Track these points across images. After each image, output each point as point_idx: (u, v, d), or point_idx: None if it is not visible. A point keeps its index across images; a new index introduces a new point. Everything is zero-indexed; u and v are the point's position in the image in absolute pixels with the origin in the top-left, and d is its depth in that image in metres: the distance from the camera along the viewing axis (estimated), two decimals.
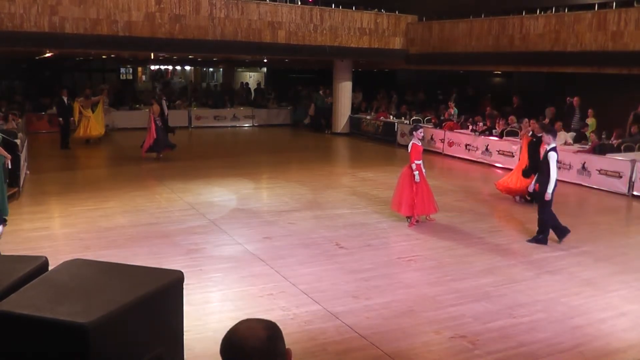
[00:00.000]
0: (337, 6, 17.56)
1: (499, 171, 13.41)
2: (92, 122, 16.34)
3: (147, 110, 14.61)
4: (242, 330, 1.62)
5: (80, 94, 17.61)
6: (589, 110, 14.11)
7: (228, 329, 1.65)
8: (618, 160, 11.51)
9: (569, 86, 15.51)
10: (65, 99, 15.58)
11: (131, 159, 14.15)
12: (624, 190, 11.17)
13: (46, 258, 3.56)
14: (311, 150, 17.52)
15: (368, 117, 19.76)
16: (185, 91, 25.61)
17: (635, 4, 13.29)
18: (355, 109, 20.80)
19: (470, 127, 15.95)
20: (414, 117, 18.05)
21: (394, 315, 5.55)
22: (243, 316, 6.21)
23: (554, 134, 8.03)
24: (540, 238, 7.91)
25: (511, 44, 15.45)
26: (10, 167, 8.86)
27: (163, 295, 3.25)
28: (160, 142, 14.07)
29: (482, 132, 15.07)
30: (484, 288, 6.26)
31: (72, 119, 15.87)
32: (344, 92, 19.93)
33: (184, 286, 3.59)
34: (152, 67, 28.60)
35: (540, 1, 15.88)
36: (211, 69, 30.59)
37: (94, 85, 23.85)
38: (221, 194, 10.66)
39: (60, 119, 15.51)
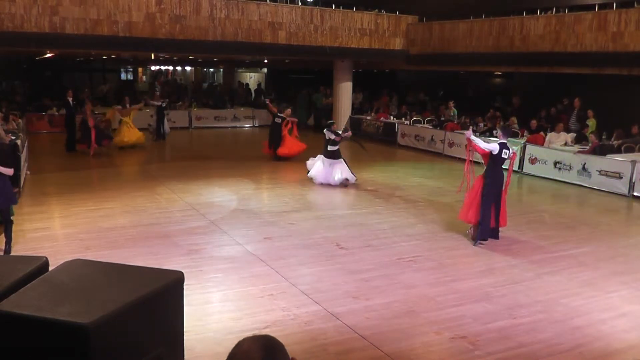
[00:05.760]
0: (337, 7, 17.55)
1: None
2: (132, 129, 15.87)
3: (86, 111, 14.69)
4: (239, 357, 1.62)
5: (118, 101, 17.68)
6: (589, 111, 14.11)
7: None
8: (618, 161, 11.51)
9: (569, 87, 15.51)
10: (70, 99, 15.46)
11: (131, 159, 14.15)
12: (625, 191, 11.17)
13: (46, 258, 3.57)
14: (311, 151, 17.45)
15: (368, 117, 19.76)
16: (186, 91, 25.62)
17: (635, 5, 13.28)
18: (355, 109, 20.79)
19: (471, 127, 15.92)
20: (414, 118, 18.05)
21: (394, 315, 5.55)
22: (243, 317, 6.16)
23: (506, 132, 8.82)
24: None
25: (511, 45, 15.44)
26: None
27: (163, 295, 3.26)
28: (99, 135, 14.53)
29: (482, 133, 15.06)
30: (484, 288, 6.27)
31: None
32: (345, 93, 19.92)
33: (184, 287, 3.60)
34: (153, 68, 28.61)
35: (541, 2, 15.87)
36: (211, 70, 30.60)
37: (94, 86, 23.86)
38: (221, 195, 10.66)
39: (68, 121, 15.16)
